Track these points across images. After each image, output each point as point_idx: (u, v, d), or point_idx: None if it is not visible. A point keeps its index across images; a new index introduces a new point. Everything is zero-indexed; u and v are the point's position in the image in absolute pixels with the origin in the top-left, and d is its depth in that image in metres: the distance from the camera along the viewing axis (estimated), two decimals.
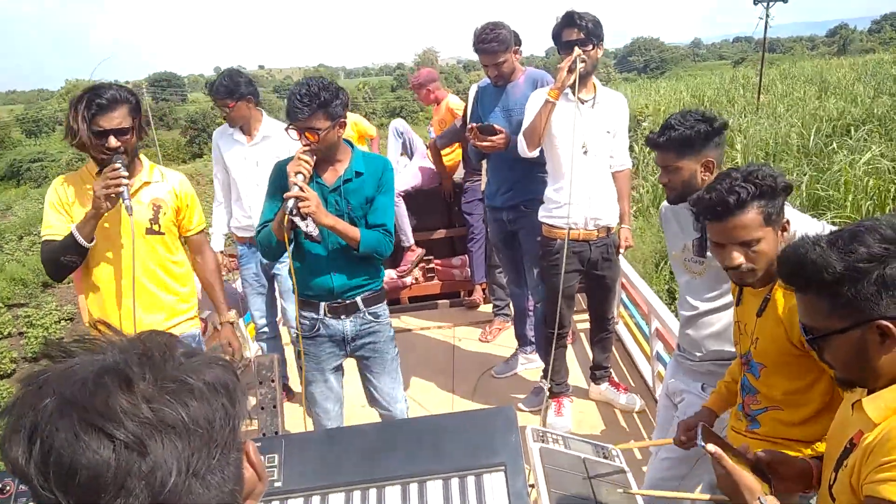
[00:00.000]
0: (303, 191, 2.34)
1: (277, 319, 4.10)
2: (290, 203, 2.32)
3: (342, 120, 2.45)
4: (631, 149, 13.51)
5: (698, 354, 2.37)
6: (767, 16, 22.47)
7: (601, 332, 3.65)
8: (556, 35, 3.09)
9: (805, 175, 10.54)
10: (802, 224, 1.94)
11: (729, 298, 2.16)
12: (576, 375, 3.95)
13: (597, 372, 3.70)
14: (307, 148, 2.40)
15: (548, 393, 3.60)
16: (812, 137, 12.34)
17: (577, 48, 2.98)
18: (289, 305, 3.95)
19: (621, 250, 3.38)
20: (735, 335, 1.99)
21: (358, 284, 2.60)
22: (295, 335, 3.96)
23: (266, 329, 3.89)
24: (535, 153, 3.19)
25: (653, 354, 3.62)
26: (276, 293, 3.99)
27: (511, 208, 3.66)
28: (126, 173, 2.35)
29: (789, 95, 18.73)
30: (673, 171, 2.20)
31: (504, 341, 4.53)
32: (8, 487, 1.64)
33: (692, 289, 2.37)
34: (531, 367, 4.11)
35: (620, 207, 3.37)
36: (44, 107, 57.08)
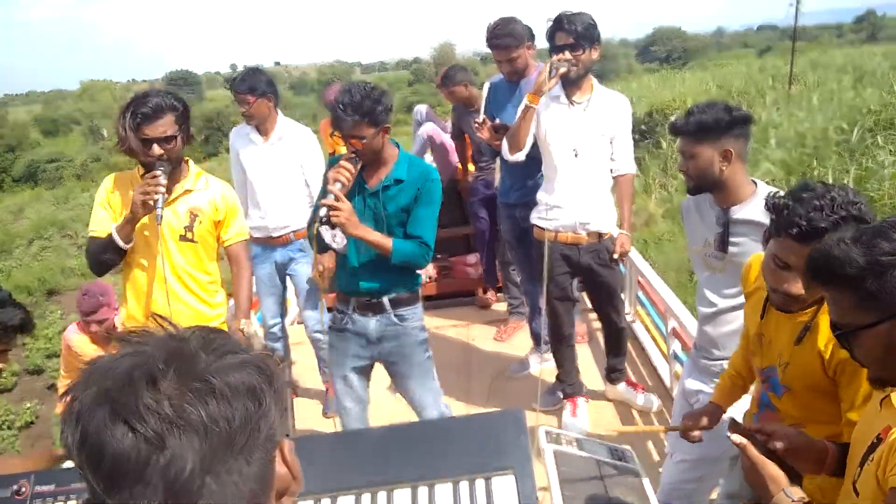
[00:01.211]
0: (337, 199, 2.33)
1: (289, 322, 4.12)
2: (323, 211, 2.33)
3: (386, 126, 2.45)
4: (659, 145, 13.13)
5: (716, 353, 2.33)
6: (798, 2, 21.74)
7: (611, 335, 3.60)
8: (549, 38, 3.04)
9: (848, 173, 9.87)
10: None
11: None
12: (593, 375, 3.92)
13: (612, 374, 3.67)
14: (352, 155, 2.40)
15: (562, 394, 3.58)
16: (855, 132, 11.47)
17: (555, 56, 2.93)
18: (304, 303, 3.96)
19: (615, 256, 3.26)
20: (752, 345, 1.91)
21: (386, 287, 2.59)
22: (310, 333, 3.99)
23: (275, 330, 3.91)
24: (520, 157, 3.18)
25: (670, 353, 3.58)
26: (288, 293, 4.01)
27: (524, 205, 3.63)
28: (164, 182, 2.43)
29: (822, 86, 17.72)
30: (690, 158, 2.16)
31: (519, 341, 4.51)
32: (24, 489, 1.66)
33: (712, 285, 2.33)
34: (546, 366, 4.08)
35: (620, 213, 3.30)
36: (60, 106, 57.81)
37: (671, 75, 28.97)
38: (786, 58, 26.63)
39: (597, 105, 3.10)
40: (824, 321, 1.65)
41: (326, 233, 2.37)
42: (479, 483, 1.58)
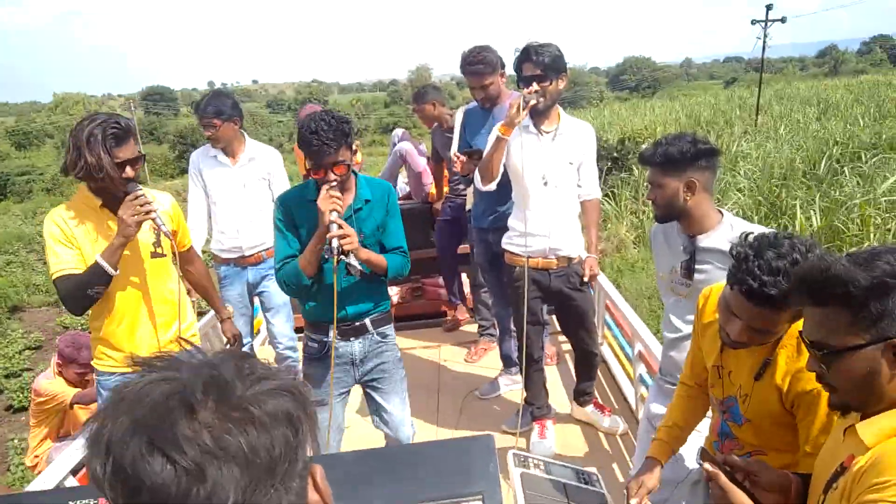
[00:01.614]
0: (342, 228, 2.35)
1: (258, 343, 4.11)
2: (335, 243, 2.33)
3: (354, 148, 2.51)
4: (630, 171, 13.30)
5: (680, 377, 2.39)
6: (766, 36, 22.22)
7: (583, 359, 3.63)
8: (517, 69, 3.10)
9: (814, 203, 9.88)
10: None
11: None
12: (560, 397, 3.96)
13: (580, 397, 3.71)
14: (333, 183, 2.38)
15: (530, 416, 3.61)
16: (824, 163, 11.69)
17: (525, 88, 2.99)
18: (276, 321, 3.96)
19: (585, 279, 3.32)
20: (711, 377, 1.94)
21: (367, 308, 2.63)
22: (281, 350, 3.99)
23: (247, 350, 3.90)
24: (492, 186, 3.24)
25: (636, 377, 3.64)
26: (257, 313, 4.02)
27: (497, 230, 3.69)
28: (150, 199, 2.42)
29: (788, 117, 18.28)
30: (657, 188, 2.24)
31: (489, 362, 4.54)
32: None
33: (677, 311, 2.38)
34: (515, 388, 4.12)
35: (587, 237, 3.37)
36: (34, 119, 56.81)
37: (641, 104, 29.77)
38: (752, 89, 27.20)
39: (564, 134, 3.17)
40: (783, 356, 1.70)
41: (352, 259, 2.41)
42: None
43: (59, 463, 2.67)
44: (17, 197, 31.80)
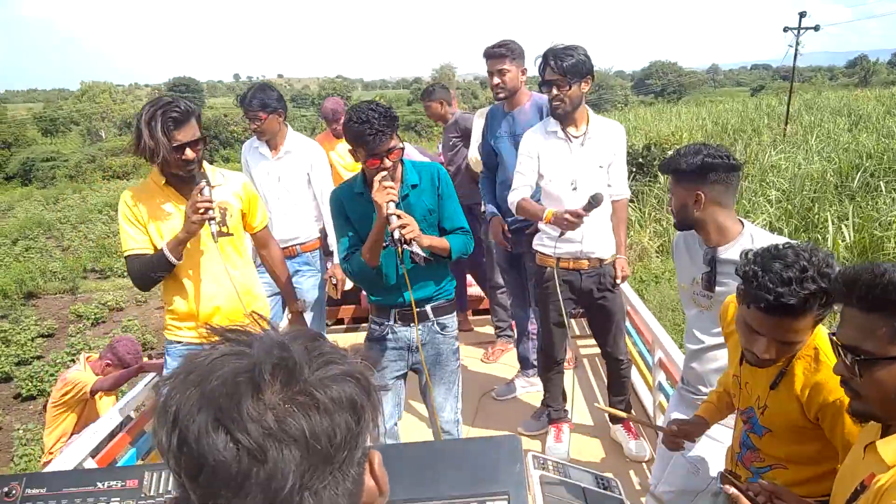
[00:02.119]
0: (401, 218, 2.38)
1: None
2: (397, 234, 2.36)
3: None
4: (656, 178, 12.97)
5: (703, 389, 2.37)
6: (798, 44, 21.50)
7: (614, 372, 3.54)
8: (540, 72, 3.09)
9: (847, 219, 9.53)
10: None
11: None
12: (579, 402, 3.95)
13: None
14: (385, 173, 2.42)
15: (547, 418, 3.60)
16: (858, 176, 11.29)
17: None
18: (305, 317, 3.96)
19: (618, 280, 3.31)
20: (733, 387, 1.95)
21: (428, 295, 2.67)
22: None
23: None
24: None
25: (655, 385, 3.62)
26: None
27: (515, 231, 3.69)
28: (211, 198, 2.46)
29: (818, 127, 17.64)
30: (672, 196, 2.27)
31: (506, 363, 4.54)
32: (14, 491, 1.66)
33: (699, 322, 2.37)
34: (532, 390, 4.12)
35: (616, 237, 3.32)
36: (61, 106, 57.44)
37: (667, 109, 29.03)
38: (780, 97, 26.43)
39: (593, 138, 3.14)
40: (799, 366, 1.68)
41: (415, 247, 2.47)
42: None
43: (78, 445, 2.70)
44: (41, 183, 32.12)
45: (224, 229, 2.65)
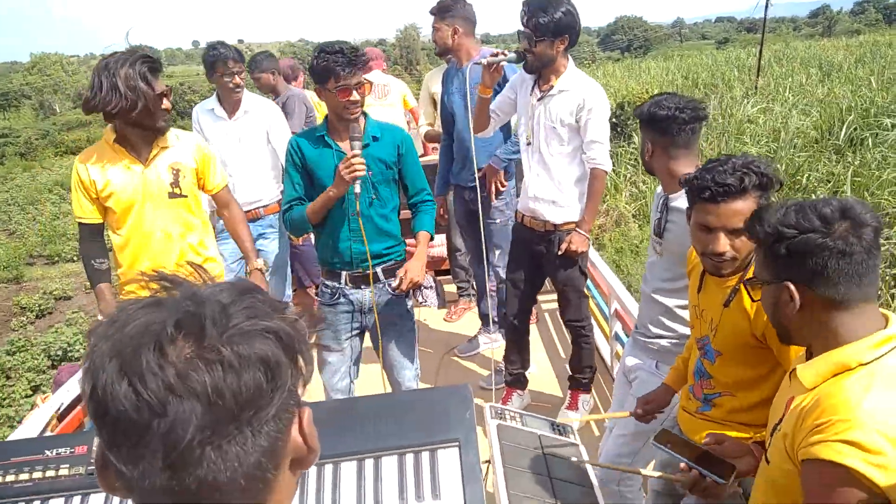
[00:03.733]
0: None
1: None
2: (405, 284, 2.55)
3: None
4: (630, 140, 12.63)
5: (653, 330, 2.43)
6: None
7: (572, 338, 3.49)
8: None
9: (834, 175, 8.84)
10: None
11: (685, 280, 2.20)
12: (540, 355, 4.02)
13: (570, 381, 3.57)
14: (358, 152, 2.44)
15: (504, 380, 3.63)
16: (844, 130, 10.54)
17: (487, 58, 2.93)
18: (270, 281, 3.94)
19: (558, 250, 3.16)
20: (692, 318, 2.03)
21: (377, 253, 2.66)
22: None
23: None
24: (487, 134, 3.27)
25: (611, 334, 3.70)
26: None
27: (473, 188, 3.69)
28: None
29: (789, 78, 16.76)
30: (644, 144, 2.31)
31: (469, 321, 4.58)
32: None
33: (653, 268, 2.42)
34: (495, 346, 4.17)
35: (583, 209, 3.17)
36: (12, 80, 54.96)
37: (635, 65, 28.25)
38: (748, 49, 25.70)
39: (556, 96, 3.03)
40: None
41: (427, 296, 2.57)
42: (425, 455, 1.64)
43: (41, 413, 2.68)
44: None
45: (177, 190, 2.62)
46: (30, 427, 2.59)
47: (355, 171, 2.40)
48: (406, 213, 2.70)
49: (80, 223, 2.59)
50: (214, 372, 0.61)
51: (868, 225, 1.24)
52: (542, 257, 3.28)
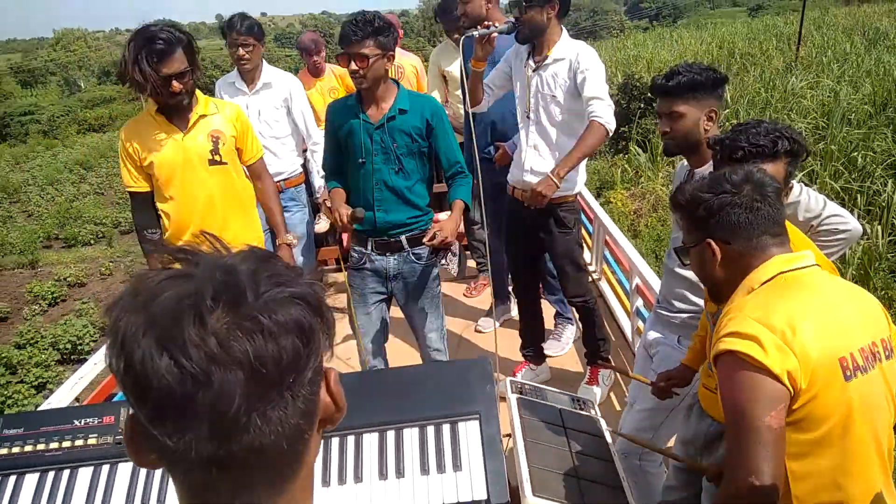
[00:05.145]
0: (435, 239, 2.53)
1: None
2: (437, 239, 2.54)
3: (391, 53, 2.53)
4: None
5: (676, 304, 2.40)
6: None
7: (580, 315, 3.41)
8: None
9: (894, 154, 8.12)
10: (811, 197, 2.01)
11: None
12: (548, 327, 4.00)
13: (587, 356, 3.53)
14: (356, 218, 2.57)
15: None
16: None
17: (475, 29, 2.87)
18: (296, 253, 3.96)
19: (525, 203, 3.01)
20: (705, 293, 1.99)
21: (401, 223, 2.69)
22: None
23: None
24: (482, 109, 3.22)
25: (633, 310, 3.68)
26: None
27: (491, 158, 3.68)
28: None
29: (832, 48, 15.70)
30: (676, 119, 2.19)
31: (488, 296, 4.57)
32: None
33: (676, 242, 2.39)
34: (512, 318, 4.18)
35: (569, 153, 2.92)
36: (39, 55, 55.32)
37: (666, 33, 26.96)
38: (784, 17, 24.31)
39: (550, 66, 2.98)
40: None
41: (451, 261, 2.67)
42: (446, 427, 1.65)
43: (69, 384, 2.75)
44: (15, 140, 30.51)
45: (217, 157, 2.66)
46: (59, 397, 2.66)
47: (336, 222, 2.58)
48: (441, 187, 2.69)
49: (129, 192, 2.70)
50: (255, 340, 0.61)
51: (769, 185, 1.46)
52: (537, 230, 3.23)
